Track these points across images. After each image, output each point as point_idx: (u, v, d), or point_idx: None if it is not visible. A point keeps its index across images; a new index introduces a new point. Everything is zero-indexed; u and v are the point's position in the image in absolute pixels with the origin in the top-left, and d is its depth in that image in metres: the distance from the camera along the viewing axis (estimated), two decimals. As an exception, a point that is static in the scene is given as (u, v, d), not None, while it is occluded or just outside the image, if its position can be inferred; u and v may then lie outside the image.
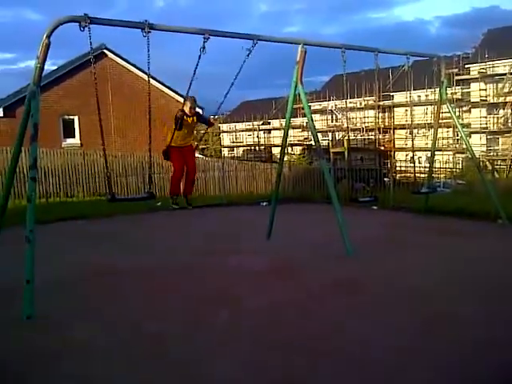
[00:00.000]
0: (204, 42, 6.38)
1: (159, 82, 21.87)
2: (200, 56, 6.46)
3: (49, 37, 5.23)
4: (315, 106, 49.09)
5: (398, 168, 29.83)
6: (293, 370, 3.74)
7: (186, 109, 7.19)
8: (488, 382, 3.49)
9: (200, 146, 52.07)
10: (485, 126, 39.61)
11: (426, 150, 29.65)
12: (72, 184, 16.28)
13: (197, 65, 6.55)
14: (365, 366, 3.79)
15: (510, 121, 38.13)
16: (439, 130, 17.68)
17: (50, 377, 3.73)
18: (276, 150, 50.26)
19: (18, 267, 5.17)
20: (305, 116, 38.66)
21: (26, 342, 4.41)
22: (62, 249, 8.47)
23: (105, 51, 20.85)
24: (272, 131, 57.17)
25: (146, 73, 6.08)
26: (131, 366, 3.86)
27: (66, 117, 20.75)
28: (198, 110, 7.55)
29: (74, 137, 20.92)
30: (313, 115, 8.09)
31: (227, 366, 3.83)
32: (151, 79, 6.55)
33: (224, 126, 62.92)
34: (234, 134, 61.50)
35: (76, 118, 20.77)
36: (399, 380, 3.57)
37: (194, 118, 7.53)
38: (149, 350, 4.16)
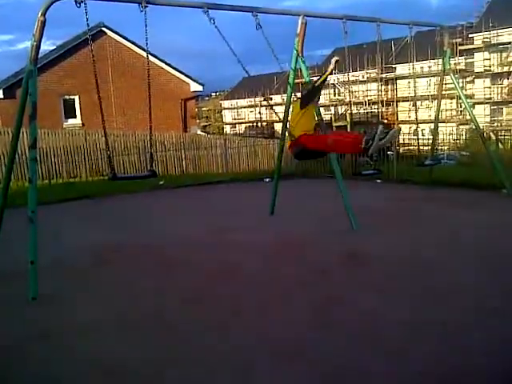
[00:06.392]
0: (207, 15, 6.23)
1: (159, 59, 21.65)
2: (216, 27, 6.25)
3: (44, 14, 5.14)
4: (317, 80, 48.45)
5: (401, 141, 29.62)
6: (305, 343, 3.75)
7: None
8: (489, 351, 3.49)
9: (201, 124, 51.88)
10: (489, 96, 39.15)
11: (429, 122, 29.34)
12: (75, 164, 16.24)
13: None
14: (371, 337, 3.79)
15: (514, 90, 37.69)
16: (443, 101, 17.48)
17: (65, 359, 3.75)
18: (278, 126, 49.93)
19: (23, 248, 5.18)
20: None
21: (32, 323, 4.43)
22: (66, 228, 8.48)
23: (104, 29, 20.57)
24: (274, 107, 56.78)
25: (145, 50, 5.97)
26: (139, 344, 3.88)
27: (67, 97, 20.57)
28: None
29: (75, 117, 20.78)
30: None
31: (239, 336, 3.84)
32: (151, 56, 6.46)
33: (226, 103, 62.49)
34: (235, 110, 61.03)
35: (77, 98, 20.60)
36: (405, 351, 3.57)
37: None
38: (158, 325, 4.18)
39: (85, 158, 16.39)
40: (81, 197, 12.19)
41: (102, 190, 12.56)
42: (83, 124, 20.27)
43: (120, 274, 5.82)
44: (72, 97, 20.66)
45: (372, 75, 45.08)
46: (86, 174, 16.12)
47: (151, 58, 7.32)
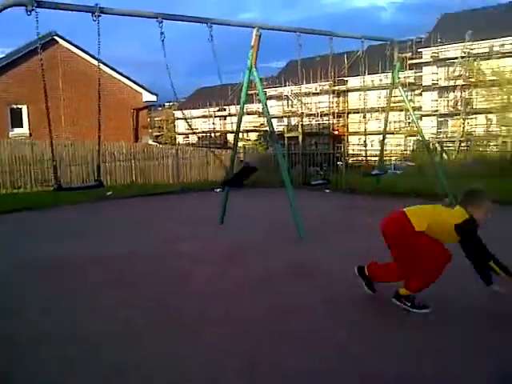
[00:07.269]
0: (160, 27, 6.32)
1: (112, 68, 21.43)
2: (163, 41, 6.40)
3: (-9, 22, 5.07)
4: (271, 91, 49.03)
5: (350, 152, 30.23)
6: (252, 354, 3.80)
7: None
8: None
9: (154, 134, 51.43)
10: (435, 108, 40.54)
11: (378, 134, 30.02)
12: (19, 175, 15.78)
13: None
14: (314, 346, 3.87)
15: (459, 103, 39.10)
16: (391, 113, 17.99)
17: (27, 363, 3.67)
18: (231, 137, 50.06)
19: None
20: (260, 102, 38.15)
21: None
22: (8, 242, 8.22)
23: (56, 38, 20.17)
24: (227, 117, 56.91)
25: (97, 59, 5.96)
26: (101, 355, 3.84)
27: (14, 106, 20.07)
28: None
29: (22, 126, 20.28)
30: (268, 101, 8.13)
31: (191, 349, 3.85)
32: (103, 65, 6.45)
33: (179, 113, 62.18)
34: (189, 120, 60.73)
35: (24, 107, 20.10)
36: (345, 359, 3.68)
37: None
38: (121, 337, 4.15)
39: (31, 169, 15.96)
40: (20, 208, 11.60)
41: (46, 201, 12.15)
42: (31, 134, 19.77)
43: (67, 288, 5.64)
44: (20, 106, 20.16)
45: (324, 87, 45.93)
46: (31, 185, 15.72)
47: (103, 67, 7.24)
